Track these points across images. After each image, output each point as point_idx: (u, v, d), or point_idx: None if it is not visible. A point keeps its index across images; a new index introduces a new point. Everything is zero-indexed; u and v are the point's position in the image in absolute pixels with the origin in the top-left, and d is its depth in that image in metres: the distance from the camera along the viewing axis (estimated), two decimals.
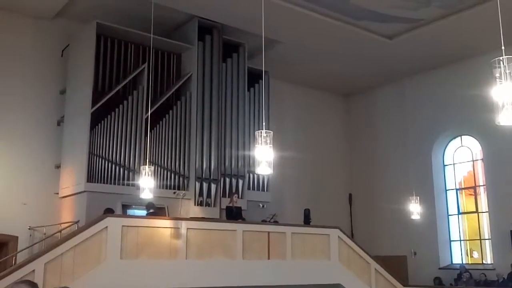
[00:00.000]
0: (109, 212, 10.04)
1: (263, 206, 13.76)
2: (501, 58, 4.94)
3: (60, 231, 10.75)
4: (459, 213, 16.22)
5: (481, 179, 15.82)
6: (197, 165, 12.64)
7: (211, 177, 12.80)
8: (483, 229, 15.61)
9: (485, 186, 15.51)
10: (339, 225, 12.68)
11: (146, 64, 12.46)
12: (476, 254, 15.83)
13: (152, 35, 10.77)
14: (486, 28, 12.42)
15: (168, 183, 12.22)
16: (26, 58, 12.47)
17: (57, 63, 12.88)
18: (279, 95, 16.27)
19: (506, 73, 4.90)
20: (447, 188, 16.46)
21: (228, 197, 12.54)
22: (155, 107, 12.24)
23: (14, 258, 10.67)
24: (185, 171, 12.57)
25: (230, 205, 11.85)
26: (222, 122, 13.42)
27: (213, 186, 12.75)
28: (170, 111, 12.71)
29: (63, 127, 12.56)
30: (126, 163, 11.66)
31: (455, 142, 16.57)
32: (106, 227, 8.91)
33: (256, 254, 10.65)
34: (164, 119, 12.56)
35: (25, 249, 10.85)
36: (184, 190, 12.18)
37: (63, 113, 12.57)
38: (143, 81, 12.39)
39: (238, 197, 12.61)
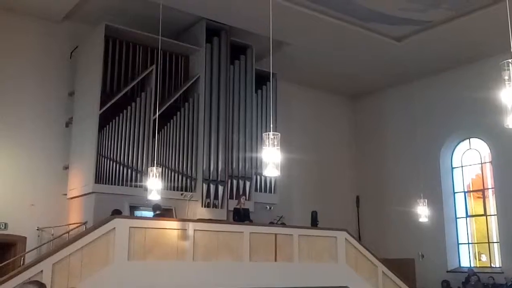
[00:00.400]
0: (116, 213, 10.07)
1: (270, 208, 13.76)
2: (509, 60, 4.92)
3: (68, 232, 10.80)
4: (467, 216, 16.14)
5: (489, 182, 15.74)
6: (204, 167, 12.66)
7: (219, 179, 12.81)
8: (491, 232, 15.52)
9: (493, 189, 15.43)
10: (346, 227, 12.64)
11: (154, 66, 12.50)
12: (484, 257, 15.74)
13: (160, 37, 10.82)
14: (494, 30, 12.34)
15: (176, 184, 12.24)
16: (35, 60, 12.55)
17: (65, 65, 12.95)
18: (287, 97, 16.27)
19: None
20: (455, 191, 16.39)
21: (235, 199, 12.56)
22: (163, 109, 12.26)
23: (22, 258, 10.73)
24: (193, 173, 12.59)
25: (238, 207, 11.86)
26: (230, 124, 13.44)
27: (220, 188, 12.77)
28: (178, 113, 12.74)
29: (71, 128, 12.62)
30: (133, 165, 11.70)
31: (464, 145, 16.50)
32: (114, 228, 8.93)
33: (263, 256, 10.64)
34: (171, 120, 12.59)
35: (33, 249, 10.92)
36: (191, 191, 12.20)
37: (72, 114, 12.64)
38: (151, 83, 12.42)
39: (246, 199, 12.61)
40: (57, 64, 12.84)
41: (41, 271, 8.02)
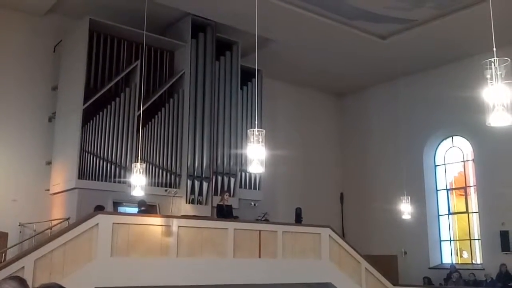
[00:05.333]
0: (99, 209, 10.00)
1: (254, 205, 13.76)
2: (492, 59, 4.96)
3: (50, 228, 10.72)
4: (449, 213, 16.31)
5: (471, 180, 15.91)
6: (189, 163, 12.62)
7: (203, 175, 12.79)
8: (473, 229, 15.70)
9: (475, 187, 15.60)
10: (330, 224, 12.71)
11: (138, 61, 12.43)
12: (465, 254, 15.93)
13: (145, 32, 10.74)
14: (478, 29, 12.42)
15: (160, 180, 12.20)
16: (18, 53, 12.39)
17: (49, 59, 12.81)
18: (272, 94, 16.28)
19: (497, 74, 4.92)
20: (438, 188, 16.55)
21: (220, 195, 12.54)
22: (147, 105, 12.20)
23: (3, 254, 10.58)
24: (177, 169, 12.55)
25: (221, 203, 11.83)
26: (215, 120, 13.41)
27: (205, 184, 12.75)
28: (163, 109, 12.68)
29: (54, 123, 12.50)
30: (117, 160, 11.63)
31: (447, 143, 16.66)
32: (97, 224, 8.87)
33: (247, 252, 10.65)
34: (156, 116, 12.53)
35: (15, 245, 10.79)
36: (175, 188, 12.16)
37: (55, 109, 12.51)
38: (135, 78, 12.35)
39: (230, 195, 12.60)
40: (41, 58, 12.70)
41: (23, 267, 7.94)
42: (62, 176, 11.73)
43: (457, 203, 16.27)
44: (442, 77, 16.08)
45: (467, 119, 14.81)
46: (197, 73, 13.27)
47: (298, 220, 12.99)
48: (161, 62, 13.42)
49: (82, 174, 11.20)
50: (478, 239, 15.42)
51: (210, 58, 13.57)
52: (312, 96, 18.34)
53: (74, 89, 11.79)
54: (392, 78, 16.78)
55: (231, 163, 13.49)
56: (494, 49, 5.22)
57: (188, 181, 12.55)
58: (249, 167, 6.69)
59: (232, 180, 13.39)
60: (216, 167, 13.20)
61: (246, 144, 6.69)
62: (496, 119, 4.96)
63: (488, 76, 4.95)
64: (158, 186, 12.01)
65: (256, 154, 6.51)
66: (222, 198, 11.95)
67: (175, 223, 9.76)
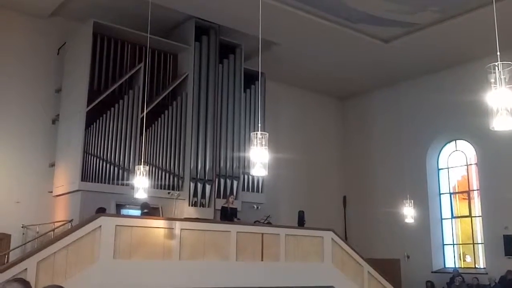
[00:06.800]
0: (101, 211, 10.01)
1: (257, 208, 13.75)
2: (496, 63, 4.96)
3: (53, 230, 10.71)
4: (452, 217, 16.28)
5: (475, 184, 15.87)
6: (192, 166, 12.63)
7: (206, 178, 12.79)
8: (476, 233, 15.66)
9: (478, 191, 15.56)
10: (333, 227, 12.69)
11: (142, 64, 12.44)
12: (469, 258, 15.88)
13: (148, 35, 10.77)
14: (481, 33, 12.45)
15: (163, 183, 12.20)
16: (22, 56, 12.43)
17: (53, 61, 12.85)
18: (275, 97, 16.28)
19: (501, 78, 4.91)
20: (441, 192, 16.52)
21: (223, 198, 12.54)
22: (150, 107, 12.19)
23: (6, 256, 10.62)
24: (180, 172, 12.56)
25: (226, 205, 11.84)
26: (218, 123, 13.42)
27: (207, 187, 12.75)
28: (166, 111, 12.70)
29: (58, 125, 12.53)
30: (120, 163, 11.64)
31: (450, 146, 16.64)
32: (100, 226, 8.89)
33: (250, 255, 10.64)
34: (159, 119, 12.54)
35: (18, 247, 10.82)
36: (178, 190, 12.16)
37: (58, 111, 12.54)
38: (139, 81, 12.37)
39: (234, 198, 12.59)
40: (44, 61, 12.74)
41: (26, 269, 7.96)
42: (65, 178, 11.75)
43: (460, 207, 16.24)
44: (445, 81, 16.06)
45: (470, 123, 14.78)
46: (200, 76, 13.29)
47: (301, 223, 12.97)
48: (165, 64, 13.44)
49: (85, 176, 11.22)
50: (481, 243, 15.38)
51: (214, 61, 13.59)
52: (315, 99, 18.35)
53: (78, 91, 11.82)
54: (395, 82, 16.77)
55: (234, 166, 13.49)
56: (498, 53, 5.21)
57: (191, 183, 12.55)
58: (252, 170, 6.68)
59: (235, 182, 13.39)
60: (219, 169, 13.20)
61: (249, 147, 6.69)
62: (500, 123, 4.94)
63: (492, 80, 4.94)
64: (161, 188, 12.03)
65: (259, 157, 6.50)
66: (228, 200, 11.97)
67: (177, 225, 9.76)
